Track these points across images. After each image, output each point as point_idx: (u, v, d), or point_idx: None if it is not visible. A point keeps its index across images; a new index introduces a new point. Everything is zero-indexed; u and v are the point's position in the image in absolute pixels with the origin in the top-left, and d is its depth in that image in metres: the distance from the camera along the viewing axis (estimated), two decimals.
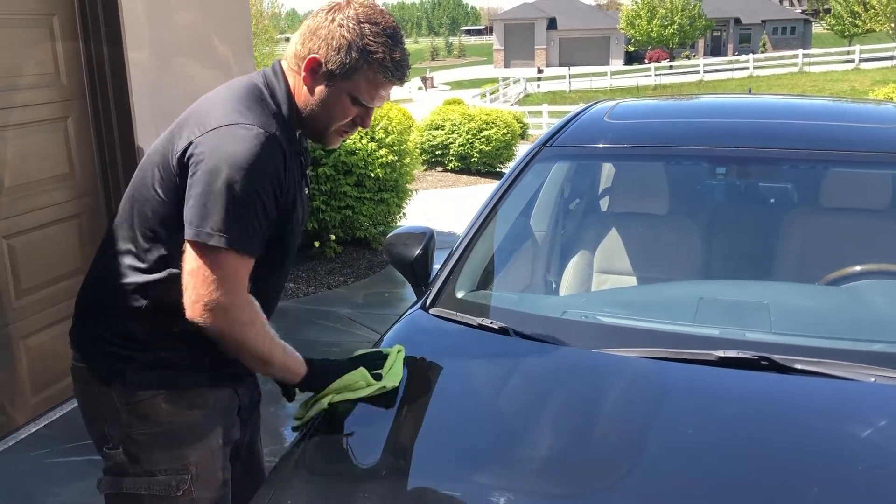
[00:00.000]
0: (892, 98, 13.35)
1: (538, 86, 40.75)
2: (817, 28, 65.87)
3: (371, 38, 1.61)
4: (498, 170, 12.78)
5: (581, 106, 3.18)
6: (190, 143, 1.58)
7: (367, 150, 6.30)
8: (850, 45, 45.59)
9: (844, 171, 2.68)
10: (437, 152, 12.85)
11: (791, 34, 61.87)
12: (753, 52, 52.20)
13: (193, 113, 1.66)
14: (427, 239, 2.43)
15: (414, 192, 7.43)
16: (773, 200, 2.86)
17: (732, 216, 2.88)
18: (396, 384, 1.79)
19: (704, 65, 42.39)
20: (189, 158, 1.58)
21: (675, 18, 52.03)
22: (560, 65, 56.27)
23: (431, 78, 46.98)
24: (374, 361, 1.83)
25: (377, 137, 6.41)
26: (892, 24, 45.94)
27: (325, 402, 1.75)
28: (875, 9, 46.87)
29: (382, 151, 6.37)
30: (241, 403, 1.85)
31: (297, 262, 6.17)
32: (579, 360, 1.92)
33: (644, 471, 1.53)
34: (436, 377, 1.92)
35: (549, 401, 1.79)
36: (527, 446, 1.62)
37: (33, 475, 3.27)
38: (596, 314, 2.24)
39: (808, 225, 2.63)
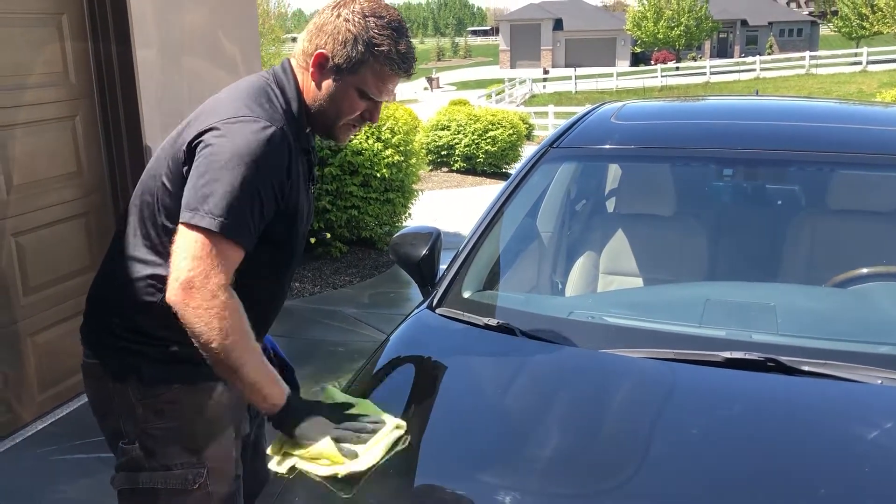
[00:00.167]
0: None
1: (544, 87, 40.73)
2: (824, 30, 65.72)
3: (376, 31, 1.63)
4: (503, 170, 12.79)
5: (588, 107, 3.18)
6: (198, 134, 1.60)
7: (373, 151, 6.31)
8: (857, 48, 45.45)
9: (851, 174, 2.68)
10: (442, 153, 12.86)
11: (798, 36, 61.73)
12: (760, 54, 52.10)
13: (203, 109, 1.69)
14: (434, 239, 2.44)
15: (419, 193, 7.44)
16: (779, 202, 2.86)
17: (739, 218, 2.88)
18: (362, 469, 1.55)
19: (711, 66, 42.33)
20: (196, 146, 1.60)
21: (682, 20, 51.93)
22: (566, 66, 56.23)
23: (437, 78, 46.98)
24: (364, 431, 1.64)
25: (383, 137, 6.42)
26: None
27: (284, 468, 1.61)
28: (883, 11, 46.71)
29: (388, 151, 6.38)
30: None
31: (303, 261, 6.18)
32: (586, 361, 1.93)
33: (650, 471, 1.53)
34: (442, 376, 1.93)
35: (556, 401, 1.79)
36: (533, 446, 1.62)
37: (40, 472, 3.28)
38: (602, 315, 2.24)
39: (815, 227, 2.63)
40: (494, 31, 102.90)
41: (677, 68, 45.36)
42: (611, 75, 41.75)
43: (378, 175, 6.33)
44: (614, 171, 3.09)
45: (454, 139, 12.72)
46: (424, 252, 2.39)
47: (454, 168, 12.85)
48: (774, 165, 2.68)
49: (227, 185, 1.53)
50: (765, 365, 1.79)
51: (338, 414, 1.68)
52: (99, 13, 3.81)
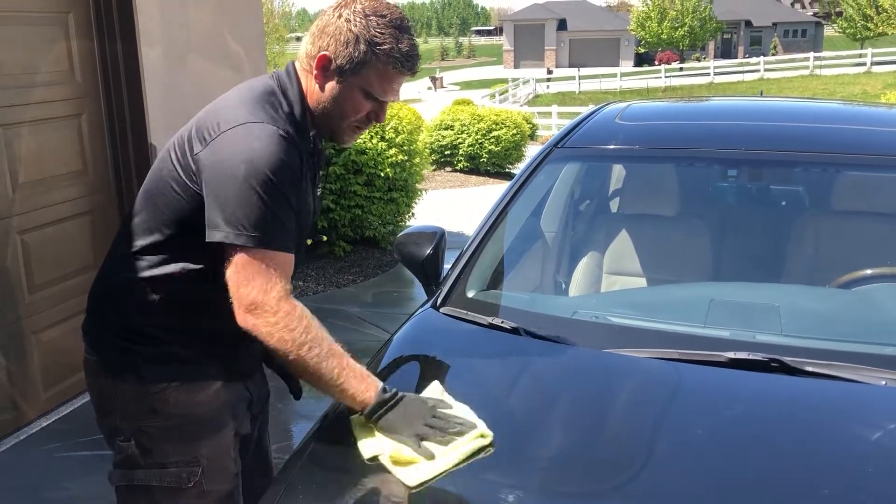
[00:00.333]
0: None
1: (548, 87, 40.73)
2: (829, 31, 65.63)
3: (378, 29, 1.62)
4: (507, 170, 12.79)
5: (592, 107, 3.18)
6: (206, 144, 1.60)
7: (377, 150, 6.31)
8: (861, 49, 45.38)
9: (855, 175, 2.68)
10: (446, 152, 12.86)
11: (802, 37, 61.65)
12: (764, 55, 52.06)
13: (209, 113, 1.68)
14: (438, 238, 2.44)
15: (423, 192, 7.44)
16: (784, 203, 2.86)
17: (743, 218, 2.88)
18: (433, 474, 1.52)
19: (715, 67, 42.28)
20: (205, 159, 1.59)
21: (686, 20, 51.90)
22: (570, 66, 56.20)
23: (441, 78, 46.99)
24: (447, 431, 1.59)
25: (387, 137, 6.43)
26: None
27: (365, 455, 1.59)
28: (887, 12, 46.66)
29: (392, 151, 6.39)
30: (251, 398, 1.87)
31: (307, 260, 6.18)
32: (589, 361, 1.93)
33: (654, 471, 1.53)
34: (446, 376, 1.93)
35: (559, 400, 1.79)
36: (537, 445, 1.63)
37: (45, 469, 3.29)
38: (606, 315, 2.24)
39: (819, 228, 2.63)
40: (498, 31, 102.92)
41: (681, 69, 45.34)
42: (614, 76, 41.73)
43: (382, 174, 6.34)
44: (618, 172, 3.10)
45: (458, 139, 12.72)
46: (429, 251, 2.40)
47: (457, 168, 12.86)
48: (779, 166, 2.68)
49: (255, 199, 1.54)
50: (769, 365, 1.79)
51: (430, 410, 1.64)
52: (105, 12, 3.82)
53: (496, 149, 12.54)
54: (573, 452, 1.62)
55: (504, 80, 40.94)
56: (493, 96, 28.81)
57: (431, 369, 1.97)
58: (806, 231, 2.63)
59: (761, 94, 4.55)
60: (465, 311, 2.14)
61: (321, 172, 1.92)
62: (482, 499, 1.52)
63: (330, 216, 6.26)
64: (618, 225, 2.84)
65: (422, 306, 2.29)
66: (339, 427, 1.76)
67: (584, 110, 3.18)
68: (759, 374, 1.79)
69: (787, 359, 1.80)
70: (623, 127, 2.85)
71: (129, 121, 3.93)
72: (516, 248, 2.66)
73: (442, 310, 2.19)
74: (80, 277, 3.78)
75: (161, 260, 1.68)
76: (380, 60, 1.63)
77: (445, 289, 2.28)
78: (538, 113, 23.65)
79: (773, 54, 55.86)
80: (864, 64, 40.11)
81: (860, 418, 1.68)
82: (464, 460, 1.55)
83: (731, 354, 1.83)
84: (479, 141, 12.55)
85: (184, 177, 1.63)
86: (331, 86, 1.67)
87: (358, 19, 1.62)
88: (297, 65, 1.73)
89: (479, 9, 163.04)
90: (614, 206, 3.06)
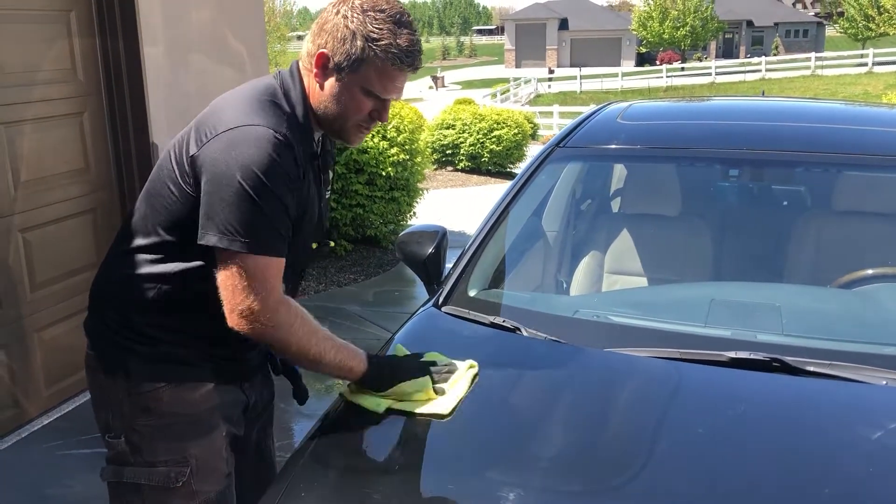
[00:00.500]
0: None
1: (549, 86, 40.71)
2: (830, 31, 65.57)
3: (375, 25, 1.58)
4: (508, 170, 12.79)
5: (594, 107, 3.18)
6: (202, 146, 1.58)
7: (378, 149, 6.32)
8: (863, 49, 45.34)
9: (857, 175, 2.68)
10: (447, 151, 12.87)
11: (804, 37, 61.61)
12: (766, 55, 52.03)
13: (208, 114, 1.66)
14: (440, 237, 2.45)
15: (424, 192, 7.44)
16: (785, 203, 2.86)
17: (745, 218, 2.88)
18: (453, 403, 1.71)
19: (716, 67, 42.27)
20: (201, 161, 1.58)
21: (688, 20, 51.88)
22: (571, 65, 56.20)
23: (442, 77, 46.99)
24: (441, 373, 1.77)
25: (389, 136, 6.43)
26: None
27: (381, 408, 1.72)
28: (889, 12, 46.64)
29: (394, 150, 6.39)
30: (248, 401, 1.86)
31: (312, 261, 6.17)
32: (590, 360, 1.93)
33: (655, 470, 1.53)
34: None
35: (561, 399, 1.80)
36: (538, 444, 1.63)
37: (46, 467, 3.30)
38: (608, 314, 2.25)
39: (820, 228, 2.63)
40: (500, 31, 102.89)
41: (682, 69, 45.32)
42: (616, 75, 41.72)
43: (383, 173, 6.34)
44: (620, 171, 3.10)
45: (459, 138, 12.72)
46: (431, 250, 2.40)
47: (459, 167, 12.86)
48: (780, 166, 2.68)
49: (248, 203, 1.53)
50: (770, 365, 1.79)
51: (416, 362, 1.78)
52: (107, 10, 3.82)
53: (497, 148, 12.54)
54: (574, 451, 1.62)
55: (505, 80, 40.96)
56: (494, 96, 28.81)
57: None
58: (807, 231, 2.63)
59: (763, 93, 4.55)
60: (466, 311, 2.14)
61: (330, 174, 1.88)
62: (483, 498, 1.52)
63: (331, 215, 6.27)
64: (619, 224, 2.84)
65: (423, 305, 2.29)
66: (341, 426, 1.77)
67: (586, 110, 3.18)
68: (760, 373, 1.79)
69: (788, 358, 1.80)
70: (625, 127, 2.85)
71: (131, 119, 3.93)
72: (518, 247, 2.66)
73: (444, 309, 2.19)
74: (82, 275, 3.79)
75: (159, 259, 1.68)
76: (378, 57, 1.59)
77: (447, 288, 2.28)
78: (539, 112, 23.64)
79: (775, 54, 55.84)
80: (866, 64, 40.09)
81: (861, 418, 1.68)
82: (469, 389, 1.75)
83: (732, 354, 1.83)
84: (481, 140, 12.56)
85: (179, 178, 1.62)
86: (330, 84, 1.64)
87: (355, 15, 1.58)
88: (301, 64, 1.71)
89: (481, 8, 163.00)
90: (616, 205, 3.06)
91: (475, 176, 12.55)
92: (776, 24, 61.82)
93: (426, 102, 28.24)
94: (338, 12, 1.60)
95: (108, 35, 3.84)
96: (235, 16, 4.65)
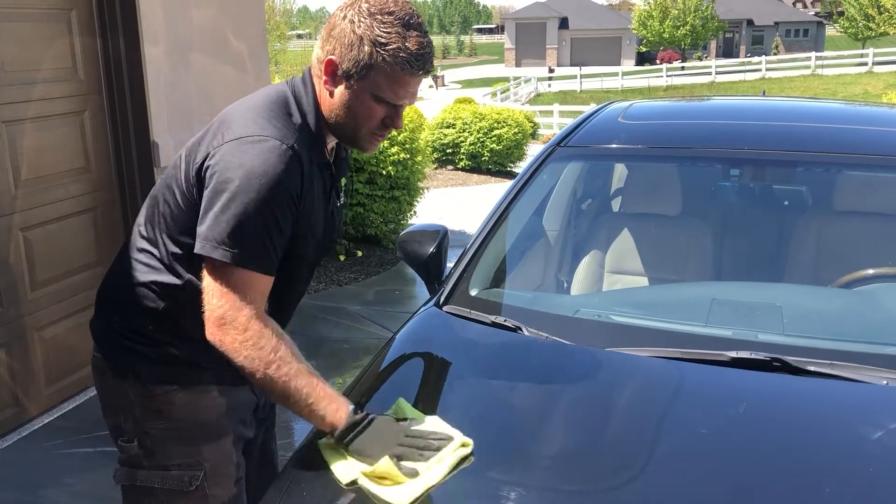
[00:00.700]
0: None
1: (549, 85, 40.70)
2: (830, 31, 65.59)
3: (383, 29, 1.52)
4: (509, 169, 12.79)
5: (595, 106, 3.18)
6: (208, 154, 1.57)
7: (378, 148, 6.31)
8: (863, 48, 45.34)
9: (858, 175, 2.68)
10: (447, 151, 12.87)
11: (804, 36, 61.59)
12: (766, 54, 52.03)
13: (219, 121, 1.64)
14: (441, 237, 2.45)
15: (425, 191, 7.44)
16: (786, 203, 2.86)
17: (745, 218, 2.88)
18: (419, 491, 1.47)
19: (716, 66, 42.25)
20: (206, 169, 1.56)
21: (688, 19, 51.87)
22: (571, 64, 56.19)
23: (442, 76, 46.96)
24: (428, 448, 1.55)
25: (389, 135, 6.42)
26: None
27: (344, 481, 1.52)
28: (889, 12, 46.63)
29: (394, 149, 6.39)
30: (259, 401, 1.86)
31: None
32: (591, 359, 1.93)
33: (656, 469, 1.54)
34: (449, 373, 1.94)
35: (562, 398, 1.80)
36: (539, 444, 1.63)
37: (46, 466, 3.30)
38: (608, 313, 2.25)
39: (821, 227, 2.63)
40: (500, 30, 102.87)
41: (682, 68, 45.31)
42: (616, 74, 41.69)
43: (384, 172, 6.34)
44: (621, 171, 3.10)
45: (459, 137, 12.72)
46: (432, 250, 2.40)
47: (459, 166, 12.86)
48: (781, 166, 2.68)
49: (241, 214, 1.50)
50: (771, 365, 1.80)
51: (403, 429, 1.59)
52: (108, 9, 3.82)
53: (498, 147, 12.54)
54: (575, 451, 1.62)
55: (505, 79, 40.95)
56: (494, 95, 28.81)
57: (434, 367, 1.97)
58: (808, 231, 2.63)
59: (764, 93, 4.55)
60: (467, 310, 2.14)
61: (343, 181, 1.84)
62: (484, 497, 1.52)
63: None
64: (620, 224, 2.84)
65: (424, 305, 2.30)
66: None
67: (586, 109, 3.18)
68: (761, 373, 1.79)
69: (789, 358, 1.80)
70: (625, 126, 2.85)
71: (132, 118, 3.93)
72: (519, 246, 2.66)
73: (445, 308, 2.19)
74: (83, 274, 3.79)
75: (164, 268, 1.67)
76: (386, 62, 1.52)
77: (448, 287, 2.28)
78: (540, 111, 23.63)
79: (775, 54, 55.83)
80: (866, 64, 40.08)
81: (862, 418, 1.68)
82: (448, 473, 1.51)
83: (733, 354, 1.83)
84: (481, 139, 12.56)
85: (183, 184, 1.61)
86: (340, 92, 1.58)
87: (362, 19, 1.53)
88: (312, 71, 1.65)
89: (481, 7, 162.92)
90: (616, 205, 3.06)
91: (476, 175, 12.55)
92: (776, 23, 61.80)
93: (426, 101, 28.22)
94: (345, 17, 1.55)
95: (109, 34, 3.84)
96: (235, 15, 4.65)
